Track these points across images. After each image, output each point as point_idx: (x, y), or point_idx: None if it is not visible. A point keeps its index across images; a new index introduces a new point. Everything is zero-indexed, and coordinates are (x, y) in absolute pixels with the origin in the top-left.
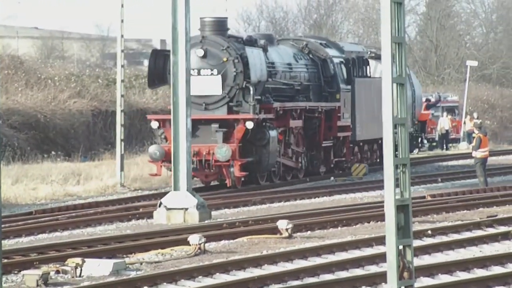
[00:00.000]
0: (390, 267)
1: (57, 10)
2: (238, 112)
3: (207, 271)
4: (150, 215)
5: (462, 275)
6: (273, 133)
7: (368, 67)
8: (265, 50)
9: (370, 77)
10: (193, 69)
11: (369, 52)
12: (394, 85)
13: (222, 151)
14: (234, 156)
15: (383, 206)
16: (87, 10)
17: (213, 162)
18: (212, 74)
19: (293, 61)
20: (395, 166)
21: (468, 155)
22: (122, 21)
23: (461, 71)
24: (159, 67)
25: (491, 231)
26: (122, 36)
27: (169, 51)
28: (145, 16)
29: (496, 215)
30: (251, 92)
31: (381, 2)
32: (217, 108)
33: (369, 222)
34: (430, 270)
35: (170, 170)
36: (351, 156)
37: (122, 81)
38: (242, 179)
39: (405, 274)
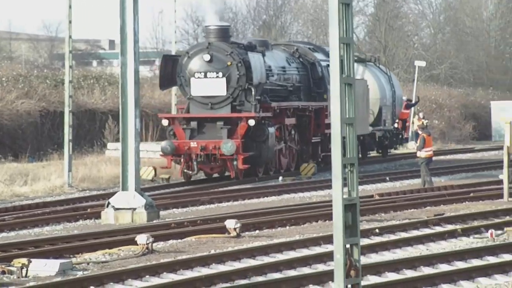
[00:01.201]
0: (337, 265)
1: (5, 11)
2: (241, 111)
3: (155, 270)
4: (98, 215)
5: (409, 273)
6: (271, 130)
7: None
8: (263, 54)
9: None
10: (200, 72)
11: None
12: (343, 85)
13: (228, 146)
14: (238, 150)
15: (331, 205)
16: (36, 11)
17: (219, 155)
18: (217, 76)
19: (286, 65)
20: (343, 166)
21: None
22: (70, 22)
23: (410, 71)
24: (168, 71)
25: (438, 229)
26: (70, 36)
27: (178, 56)
28: (93, 17)
29: (443, 214)
30: (253, 92)
31: (329, 3)
32: (222, 108)
33: (317, 221)
34: (377, 268)
35: (178, 163)
36: None
37: (71, 81)
38: (244, 171)
39: (352, 273)
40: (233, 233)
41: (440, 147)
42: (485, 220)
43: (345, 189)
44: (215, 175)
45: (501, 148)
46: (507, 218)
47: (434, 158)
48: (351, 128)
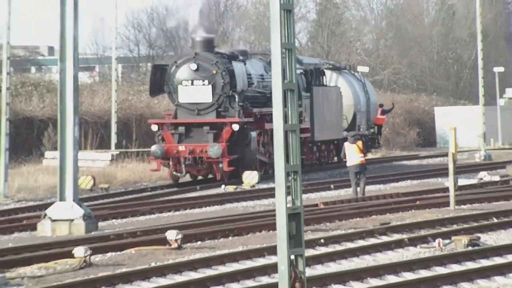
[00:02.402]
0: (281, 277)
1: None
2: (225, 117)
3: (93, 285)
4: (34, 227)
5: (355, 285)
6: (253, 134)
7: (324, 77)
8: (244, 63)
9: (326, 85)
10: (187, 80)
11: (325, 64)
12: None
13: (214, 149)
14: (223, 153)
15: (274, 215)
16: None
17: (206, 158)
18: (203, 84)
19: (264, 73)
20: (286, 173)
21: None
22: (8, 28)
23: None
24: (157, 79)
25: (384, 239)
26: (8, 43)
27: (166, 65)
28: (33, 23)
29: (389, 223)
30: (236, 99)
31: (271, 9)
32: (208, 113)
33: (260, 232)
34: (323, 281)
35: (166, 166)
36: (310, 155)
37: (8, 88)
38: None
39: (297, 285)
40: (174, 245)
41: (384, 154)
42: (432, 229)
43: (289, 198)
44: (200, 177)
45: (446, 154)
46: (454, 226)
47: (379, 165)
48: (293, 135)
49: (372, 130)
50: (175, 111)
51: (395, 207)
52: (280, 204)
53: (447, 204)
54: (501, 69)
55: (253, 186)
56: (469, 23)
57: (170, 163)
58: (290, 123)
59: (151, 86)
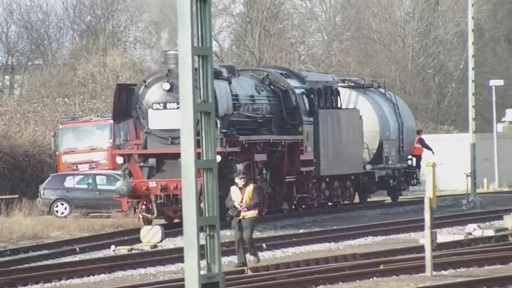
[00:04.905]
0: None
1: None
2: None
3: None
4: None
5: None
6: (239, 167)
7: (338, 97)
8: (229, 82)
9: (340, 108)
10: (159, 103)
11: (340, 82)
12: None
13: None
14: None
15: (184, 286)
16: None
17: (181, 196)
18: (178, 107)
19: (255, 93)
20: (199, 228)
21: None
22: None
23: None
24: (122, 102)
25: None
26: None
27: (133, 85)
28: None
29: None
30: (218, 125)
31: None
32: None
33: None
34: None
35: (136, 207)
36: (315, 193)
37: None
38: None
39: None
40: None
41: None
42: None
43: (203, 262)
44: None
45: (421, 201)
46: None
47: (328, 216)
48: (210, 174)
49: (407, 163)
50: (145, 140)
51: (351, 274)
52: (190, 270)
53: (422, 268)
54: (500, 82)
55: (155, 246)
56: (457, 18)
57: (139, 202)
58: (205, 158)
59: (115, 111)
